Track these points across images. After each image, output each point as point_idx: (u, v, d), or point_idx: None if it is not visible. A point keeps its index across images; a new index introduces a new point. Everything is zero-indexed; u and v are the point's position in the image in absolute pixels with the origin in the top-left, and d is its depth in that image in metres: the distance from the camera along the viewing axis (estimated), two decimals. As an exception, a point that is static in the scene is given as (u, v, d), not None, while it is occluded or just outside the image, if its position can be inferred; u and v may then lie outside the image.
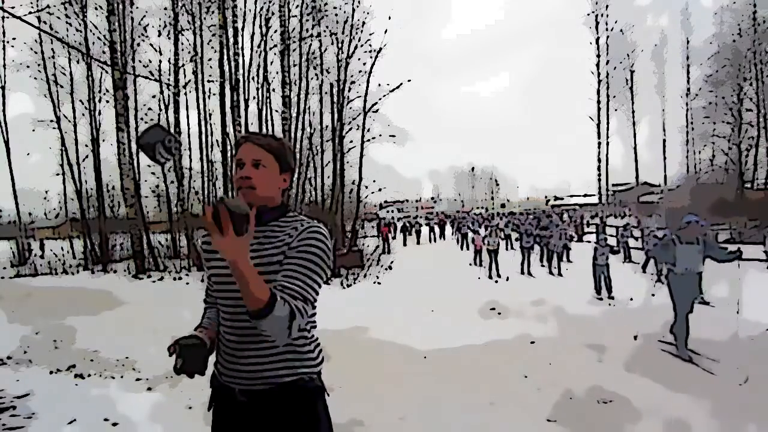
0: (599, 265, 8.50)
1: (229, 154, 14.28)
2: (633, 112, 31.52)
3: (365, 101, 15.59)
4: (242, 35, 14.89)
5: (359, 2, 15.68)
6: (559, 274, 11.40)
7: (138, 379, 4.29)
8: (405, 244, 22.71)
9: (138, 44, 15.22)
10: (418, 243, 23.51)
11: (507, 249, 18.33)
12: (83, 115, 15.14)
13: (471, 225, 20.85)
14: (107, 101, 14.70)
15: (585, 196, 55.18)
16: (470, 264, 13.48)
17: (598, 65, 32.47)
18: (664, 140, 31.05)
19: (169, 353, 1.22)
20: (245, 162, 1.29)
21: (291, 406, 1.28)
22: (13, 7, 7.58)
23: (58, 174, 16.69)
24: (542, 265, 12.29)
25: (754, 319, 5.69)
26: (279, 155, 1.33)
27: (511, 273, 11.38)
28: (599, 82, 32.37)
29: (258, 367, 1.28)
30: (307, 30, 15.60)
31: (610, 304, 7.94)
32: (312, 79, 16.78)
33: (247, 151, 1.30)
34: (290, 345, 1.28)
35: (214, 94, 15.16)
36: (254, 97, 15.72)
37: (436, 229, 27.18)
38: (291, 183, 1.42)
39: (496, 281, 10.74)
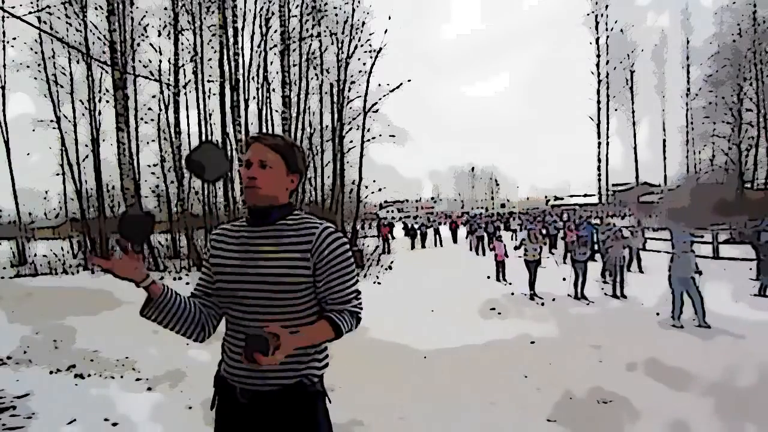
0: (682, 278, 6.15)
1: (228, 154, 14.28)
2: (633, 112, 31.60)
3: (365, 101, 15.63)
4: (242, 35, 14.94)
5: (359, 2, 15.74)
6: (623, 295, 8.22)
7: (138, 379, 4.29)
8: (413, 247, 20.28)
9: (138, 44, 15.25)
10: (423, 246, 20.86)
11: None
12: (83, 115, 15.19)
13: (486, 227, 17.81)
14: (107, 101, 14.73)
15: (585, 196, 55.26)
16: (488, 277, 10.56)
17: (598, 65, 32.55)
18: (664, 140, 31.14)
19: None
20: (252, 162, 1.30)
21: (291, 408, 1.28)
22: (13, 7, 7.58)
23: (58, 174, 16.75)
24: (604, 282, 9.33)
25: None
26: (287, 156, 1.34)
27: (554, 292, 8.54)
28: (599, 82, 32.46)
29: (264, 369, 1.27)
30: (307, 30, 15.61)
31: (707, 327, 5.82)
32: (312, 79, 16.82)
33: (255, 152, 1.31)
34: (298, 349, 1.28)
35: (214, 94, 15.18)
36: (254, 97, 15.76)
37: (444, 231, 22.98)
38: (299, 185, 1.42)
39: (542, 303, 8.01)
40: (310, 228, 1.31)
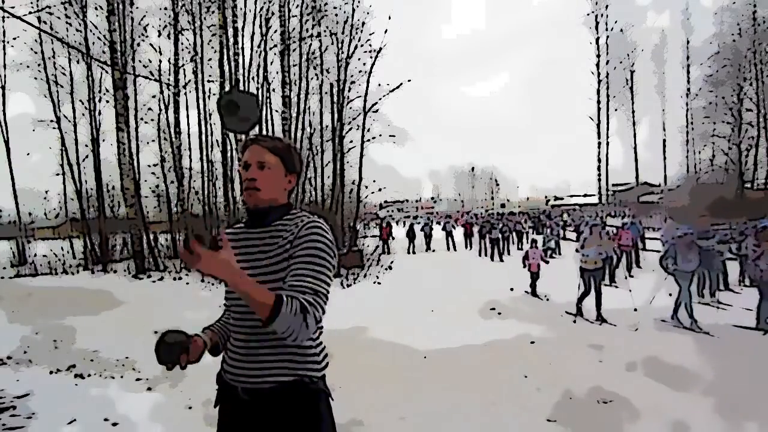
0: None
1: (229, 154, 14.29)
2: (633, 112, 31.60)
3: (365, 101, 15.60)
4: (242, 35, 14.91)
5: (359, 2, 15.71)
6: None
7: (138, 379, 4.29)
8: (413, 252, 18.07)
9: (138, 44, 15.22)
10: (428, 249, 18.58)
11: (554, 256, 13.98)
12: (83, 115, 15.15)
13: (501, 228, 15.56)
14: (107, 101, 14.70)
15: (585, 196, 55.18)
16: (511, 289, 8.88)
17: (598, 65, 32.56)
18: (664, 140, 31.11)
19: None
20: (251, 164, 1.32)
21: (292, 406, 1.28)
22: (13, 7, 7.59)
23: (58, 174, 16.68)
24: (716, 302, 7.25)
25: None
26: (285, 157, 1.36)
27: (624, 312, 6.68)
28: (599, 82, 32.47)
29: (259, 366, 1.29)
30: (307, 30, 15.60)
31: None
32: (312, 79, 16.78)
33: (254, 153, 1.32)
34: (293, 346, 1.28)
35: (214, 94, 15.14)
36: (254, 97, 15.71)
37: (457, 234, 19.96)
38: (296, 185, 1.44)
39: (601, 323, 6.38)
40: (297, 221, 1.32)
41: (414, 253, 17.87)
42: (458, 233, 20.53)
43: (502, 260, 14.45)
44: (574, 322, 6.60)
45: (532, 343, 5.45)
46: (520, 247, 18.02)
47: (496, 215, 33.42)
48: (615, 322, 6.34)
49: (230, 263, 1.11)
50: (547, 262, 8.43)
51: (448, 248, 18.63)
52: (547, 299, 8.23)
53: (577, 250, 6.94)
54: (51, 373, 4.55)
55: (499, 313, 7.07)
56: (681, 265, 5.99)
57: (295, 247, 1.26)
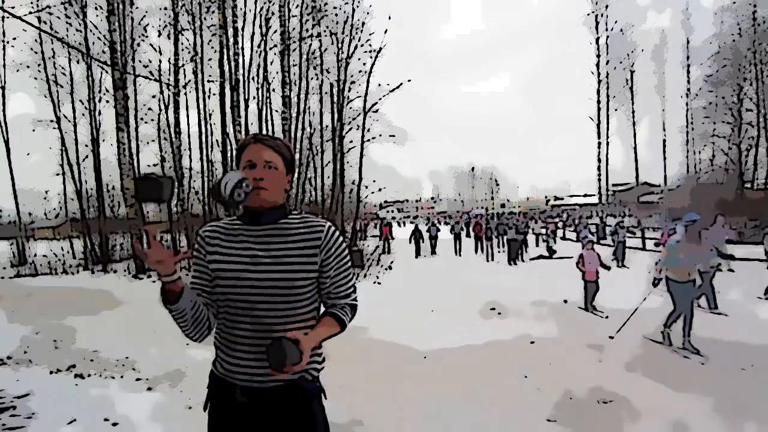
0: None
1: (229, 154, 14.29)
2: (633, 112, 31.64)
3: (365, 101, 15.63)
4: (242, 35, 14.91)
5: (359, 2, 15.74)
6: None
7: (138, 379, 4.29)
8: (418, 255, 16.92)
9: (138, 44, 15.25)
10: (434, 253, 17.42)
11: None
12: (83, 115, 15.18)
13: (516, 229, 14.07)
14: (107, 101, 14.72)
15: (585, 196, 55.32)
16: (567, 302, 7.56)
17: (598, 65, 32.63)
18: (664, 140, 31.14)
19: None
20: (257, 163, 1.31)
21: (289, 404, 1.29)
22: (13, 7, 7.58)
23: (58, 174, 16.72)
24: None
25: None
26: (286, 157, 1.38)
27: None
28: (599, 82, 32.55)
29: (265, 363, 1.27)
30: (307, 30, 15.61)
31: None
32: (312, 79, 16.81)
33: (259, 153, 1.32)
34: None
35: (214, 94, 15.17)
36: (254, 97, 15.74)
37: (464, 235, 18.76)
38: (292, 183, 1.45)
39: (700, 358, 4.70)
40: (317, 226, 1.35)
41: (421, 255, 16.84)
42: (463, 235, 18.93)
43: (515, 262, 13.81)
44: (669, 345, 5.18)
45: (532, 343, 5.45)
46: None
47: (496, 215, 33.41)
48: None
49: (311, 345, 1.25)
50: (608, 268, 7.07)
51: (456, 252, 17.06)
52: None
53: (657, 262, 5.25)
54: (51, 373, 4.55)
55: (499, 313, 7.07)
56: None
57: (329, 257, 1.35)
